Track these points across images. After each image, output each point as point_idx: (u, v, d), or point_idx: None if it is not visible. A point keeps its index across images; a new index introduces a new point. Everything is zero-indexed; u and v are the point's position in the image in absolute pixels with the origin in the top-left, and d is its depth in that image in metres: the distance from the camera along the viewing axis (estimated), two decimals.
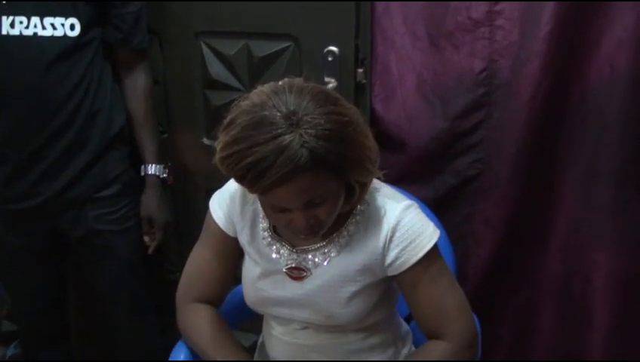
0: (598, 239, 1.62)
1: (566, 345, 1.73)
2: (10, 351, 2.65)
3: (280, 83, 1.13)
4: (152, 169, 1.81)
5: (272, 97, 1.09)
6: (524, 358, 1.81)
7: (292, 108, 1.06)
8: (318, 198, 1.12)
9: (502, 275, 1.75)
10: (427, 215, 1.33)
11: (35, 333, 2.03)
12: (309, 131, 1.05)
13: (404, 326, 1.50)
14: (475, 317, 1.50)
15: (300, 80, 1.15)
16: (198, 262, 1.42)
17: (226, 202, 1.36)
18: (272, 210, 1.16)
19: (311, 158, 1.05)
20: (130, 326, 1.96)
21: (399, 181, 1.71)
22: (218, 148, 1.10)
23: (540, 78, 1.53)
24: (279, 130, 1.04)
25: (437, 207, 1.65)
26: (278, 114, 1.06)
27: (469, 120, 1.65)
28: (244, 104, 1.10)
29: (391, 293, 1.35)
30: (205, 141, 1.91)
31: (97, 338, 2.17)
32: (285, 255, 1.30)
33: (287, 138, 1.04)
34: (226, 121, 1.10)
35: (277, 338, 1.41)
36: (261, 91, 1.12)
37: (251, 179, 1.06)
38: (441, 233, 1.34)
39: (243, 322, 1.57)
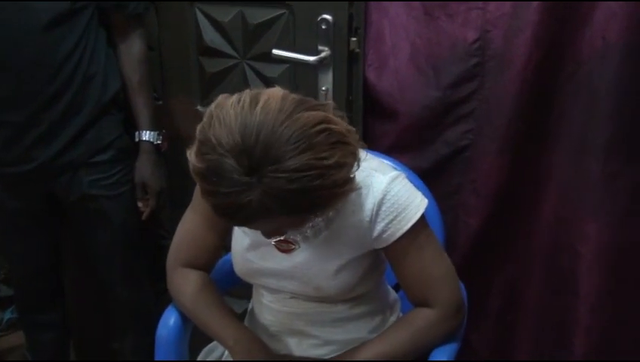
0: (587, 210, 1.62)
1: (552, 315, 1.74)
2: (7, 316, 2.70)
3: (259, 107, 1.03)
4: (146, 135, 1.82)
5: (237, 141, 1.00)
6: (512, 328, 1.83)
7: (255, 165, 1.00)
8: (283, 230, 1.20)
9: (491, 246, 1.76)
10: (417, 185, 1.33)
11: (30, 296, 2.05)
12: (270, 190, 1.00)
13: (393, 294, 1.51)
14: (462, 286, 1.52)
15: (287, 97, 1.06)
16: (189, 227, 1.43)
17: None
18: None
19: (270, 213, 1.03)
20: (124, 290, 1.99)
21: (390, 150, 1.72)
22: (190, 157, 1.06)
23: (532, 48, 1.52)
24: (237, 188, 1.00)
25: (427, 177, 1.65)
26: (240, 169, 1.00)
27: (461, 90, 1.65)
28: (212, 133, 1.02)
29: (379, 264, 1.37)
30: (199, 108, 1.91)
31: (92, 301, 2.20)
32: None
33: (245, 197, 1.01)
34: (198, 132, 1.06)
35: (266, 305, 1.43)
36: (230, 124, 1.01)
37: (215, 211, 1.07)
38: (430, 203, 1.35)
39: (232, 288, 1.59)
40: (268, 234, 1.20)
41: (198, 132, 1.06)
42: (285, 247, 1.31)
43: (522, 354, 1.83)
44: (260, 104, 1.03)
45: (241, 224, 1.18)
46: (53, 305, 2.10)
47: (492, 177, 1.68)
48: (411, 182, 1.31)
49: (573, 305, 1.69)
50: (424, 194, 1.31)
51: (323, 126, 1.03)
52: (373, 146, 1.74)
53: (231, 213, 1.04)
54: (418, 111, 1.69)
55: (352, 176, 1.10)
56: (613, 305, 1.65)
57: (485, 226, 1.73)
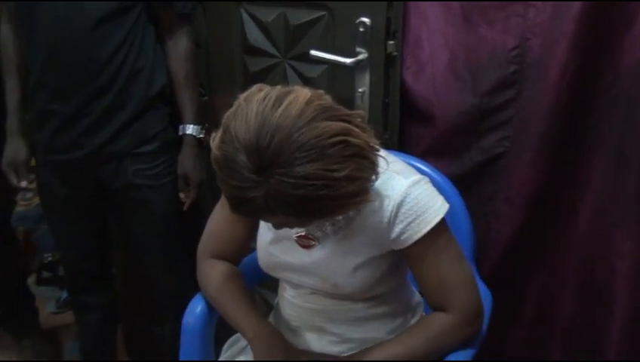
0: (623, 226, 1.58)
1: (584, 330, 1.71)
2: (65, 294, 2.83)
3: (281, 109, 1.05)
4: (189, 129, 1.87)
5: (252, 139, 1.03)
6: (543, 339, 1.80)
7: (265, 165, 1.03)
8: (291, 226, 1.22)
9: (523, 255, 1.74)
10: (448, 191, 1.33)
11: (78, 278, 2.14)
12: (274, 192, 1.04)
13: (416, 296, 1.52)
14: (488, 294, 1.52)
15: (312, 102, 1.07)
16: (218, 220, 1.48)
17: None
18: None
19: (273, 212, 1.08)
20: (164, 277, 2.05)
21: (425, 155, 1.72)
22: (212, 143, 1.11)
23: (569, 58, 1.50)
24: (244, 184, 1.05)
25: (461, 183, 1.65)
26: (250, 166, 1.03)
27: (498, 97, 1.64)
28: (234, 125, 1.06)
29: (400, 266, 1.38)
30: None
31: (138, 287, 2.28)
32: None
33: (250, 194, 1.05)
34: (224, 120, 1.10)
35: (288, 300, 1.46)
36: (249, 120, 1.05)
37: (225, 198, 1.13)
38: (462, 210, 1.34)
39: (265, 280, 1.62)
40: (277, 226, 1.22)
41: (224, 119, 1.10)
42: (305, 243, 1.34)
43: None
44: (283, 106, 1.06)
45: (246, 216, 1.21)
46: (100, 288, 2.18)
47: (526, 186, 1.66)
48: (441, 188, 1.32)
49: (605, 319, 1.66)
50: (456, 200, 1.32)
51: (340, 138, 1.05)
52: (409, 150, 1.75)
53: (237, 203, 1.09)
54: (454, 117, 1.69)
55: (366, 187, 1.12)
56: None
57: (518, 235, 1.71)
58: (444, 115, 1.70)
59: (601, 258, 1.64)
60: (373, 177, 1.14)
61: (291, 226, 1.24)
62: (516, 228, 1.70)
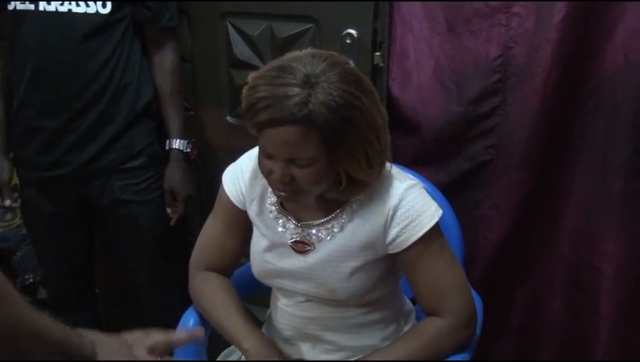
0: (608, 228, 1.62)
1: (573, 333, 1.74)
2: None
3: (325, 52, 1.20)
4: (176, 143, 1.87)
5: (308, 57, 1.17)
6: (532, 342, 1.82)
7: (316, 72, 1.14)
8: (300, 161, 1.17)
9: (511, 261, 1.76)
10: (437, 199, 1.35)
11: (63, 297, 2.11)
12: (319, 96, 1.12)
13: (408, 304, 1.52)
14: (478, 299, 1.53)
15: (345, 58, 1.22)
16: (210, 232, 1.48)
17: (237, 176, 1.41)
18: (262, 154, 1.22)
19: (307, 117, 1.12)
20: (152, 293, 2.03)
21: (412, 163, 1.74)
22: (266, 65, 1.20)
23: (552, 65, 1.54)
24: (293, 81, 1.12)
25: (448, 191, 1.67)
26: (303, 71, 1.14)
27: (483, 105, 1.67)
28: (288, 56, 1.20)
29: (394, 271, 1.38)
30: (229, 119, 1.97)
31: (123, 303, 2.25)
32: (291, 228, 1.35)
33: (296, 90, 1.12)
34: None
35: (281, 309, 1.45)
36: (306, 51, 1.20)
37: (252, 113, 1.15)
38: (451, 217, 1.36)
39: (255, 295, 1.63)
40: (281, 172, 1.19)
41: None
42: (301, 248, 1.34)
43: None
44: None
45: (265, 125, 1.15)
46: (86, 307, 2.15)
47: (513, 192, 1.68)
48: (431, 195, 1.33)
49: (593, 321, 1.69)
50: (445, 208, 1.33)
51: (372, 91, 1.22)
52: (396, 159, 1.75)
53: (268, 104, 1.12)
54: (440, 126, 1.71)
55: (377, 148, 1.21)
56: (633, 323, 1.63)
57: (505, 241, 1.74)
58: (430, 123, 1.72)
59: (587, 260, 1.68)
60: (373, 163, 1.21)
61: (299, 160, 1.18)
62: (503, 234, 1.73)
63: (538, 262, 1.75)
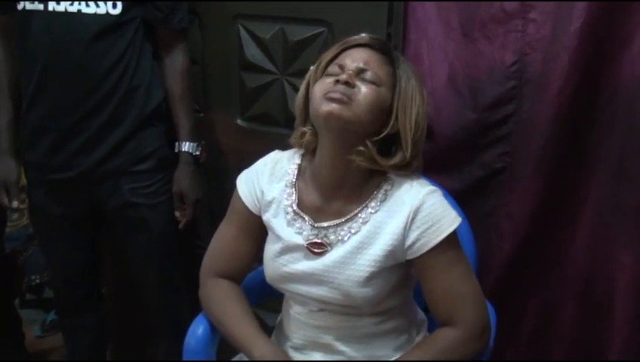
0: (624, 240, 1.60)
1: (585, 344, 1.72)
2: (51, 317, 2.77)
3: None
4: (185, 146, 1.85)
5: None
6: (544, 353, 1.80)
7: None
8: (369, 75, 1.28)
9: (524, 270, 1.74)
10: (450, 205, 1.34)
11: (69, 299, 2.09)
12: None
13: (420, 314, 1.51)
14: (491, 309, 1.51)
15: None
16: (223, 238, 1.47)
17: (253, 181, 1.41)
18: (332, 72, 1.31)
19: (394, 57, 1.32)
20: (160, 297, 2.01)
21: (425, 170, 1.70)
22: None
23: (569, 73, 1.51)
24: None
25: (462, 199, 1.65)
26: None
27: (498, 112, 1.65)
28: None
29: (408, 280, 1.38)
30: (239, 122, 1.95)
31: (129, 307, 2.25)
32: (307, 230, 1.34)
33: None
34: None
35: (294, 317, 1.44)
36: None
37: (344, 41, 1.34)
38: (464, 225, 1.35)
39: (264, 300, 1.61)
40: (356, 63, 1.29)
41: None
42: (317, 249, 1.34)
43: None
44: None
45: (364, 44, 1.34)
46: (91, 309, 2.14)
47: (527, 201, 1.66)
48: None
49: (606, 333, 1.67)
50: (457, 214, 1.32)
51: None
52: None
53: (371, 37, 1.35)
54: (454, 132, 1.70)
55: (417, 139, 1.32)
56: None
57: (519, 250, 1.72)
58: (444, 130, 1.70)
59: (601, 271, 1.66)
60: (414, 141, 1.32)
61: (369, 74, 1.29)
62: (518, 242, 1.70)
63: (552, 271, 1.73)
